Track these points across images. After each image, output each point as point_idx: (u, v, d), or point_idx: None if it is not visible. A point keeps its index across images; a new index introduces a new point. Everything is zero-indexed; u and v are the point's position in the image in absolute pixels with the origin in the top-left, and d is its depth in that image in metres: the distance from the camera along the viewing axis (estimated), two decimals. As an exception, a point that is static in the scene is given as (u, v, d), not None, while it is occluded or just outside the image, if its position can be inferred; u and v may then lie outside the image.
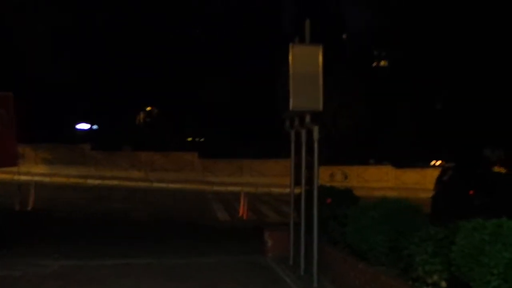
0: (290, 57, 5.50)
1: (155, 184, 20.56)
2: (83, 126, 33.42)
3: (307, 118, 5.70)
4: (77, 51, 26.36)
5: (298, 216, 6.60)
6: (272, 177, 22.05)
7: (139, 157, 22.98)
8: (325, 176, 23.98)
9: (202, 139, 34.80)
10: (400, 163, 24.37)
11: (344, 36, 33.24)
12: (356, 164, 24.42)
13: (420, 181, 22.66)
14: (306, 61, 5.51)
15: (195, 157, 22.90)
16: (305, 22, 5.73)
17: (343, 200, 6.08)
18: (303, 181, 6.16)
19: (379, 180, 23.56)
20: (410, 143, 23.00)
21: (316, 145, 5.56)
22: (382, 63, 38.40)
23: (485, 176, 7.84)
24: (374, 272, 4.35)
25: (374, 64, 31.79)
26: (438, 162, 23.35)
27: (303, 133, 6.03)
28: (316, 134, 5.52)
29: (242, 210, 12.98)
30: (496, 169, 14.78)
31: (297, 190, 6.68)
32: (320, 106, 5.48)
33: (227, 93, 27.16)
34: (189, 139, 35.52)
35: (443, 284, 3.43)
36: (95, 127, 33.09)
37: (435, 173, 23.49)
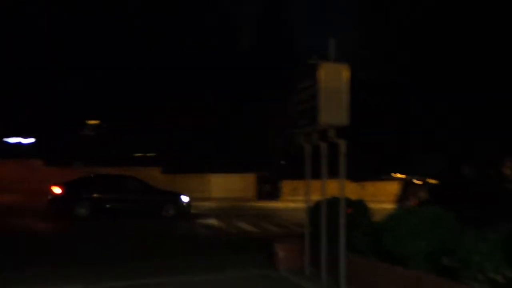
0: (320, 74, 5.78)
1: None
2: (14, 139, 30.73)
3: (332, 133, 5.98)
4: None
5: (312, 227, 6.80)
6: (237, 192, 22.14)
7: (97, 173, 21.70)
8: (288, 190, 24.66)
9: (152, 154, 33.82)
10: (356, 176, 25.72)
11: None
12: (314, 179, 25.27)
13: (375, 193, 24.23)
14: (333, 78, 5.84)
15: (159, 172, 22.24)
16: (329, 40, 6.07)
17: (360, 210, 6.40)
18: (324, 192, 6.36)
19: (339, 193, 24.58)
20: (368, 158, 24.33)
21: (342, 158, 5.83)
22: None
23: (472, 188, 8.67)
24: (417, 275, 4.65)
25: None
26: (400, 176, 24.96)
27: (324, 147, 6.31)
28: (343, 148, 5.80)
29: (223, 225, 12.95)
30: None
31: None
32: (346, 121, 5.80)
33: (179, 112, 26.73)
34: (138, 154, 34.44)
35: (500, 278, 3.82)
36: (28, 141, 30.72)
37: (388, 186, 24.99)
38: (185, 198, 15.76)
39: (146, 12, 27.50)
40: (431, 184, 11.83)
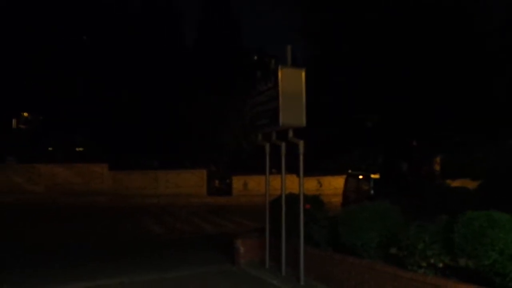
0: (280, 78, 6.07)
1: (63, 200, 18.51)
2: None
3: (291, 133, 6.32)
4: None
5: (270, 223, 7.13)
6: (188, 188, 21.99)
7: (38, 170, 20.43)
8: (239, 185, 24.95)
9: (81, 149, 32.21)
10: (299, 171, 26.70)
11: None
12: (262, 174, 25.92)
13: (319, 188, 25.57)
14: (292, 82, 6.16)
15: (105, 169, 21.38)
16: (286, 47, 6.37)
17: (316, 206, 6.84)
18: (283, 189, 6.69)
19: (287, 188, 25.48)
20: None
21: (301, 157, 6.19)
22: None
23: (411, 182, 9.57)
24: (368, 264, 5.15)
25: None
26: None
27: (283, 146, 6.64)
28: (301, 148, 6.16)
29: (177, 222, 12.92)
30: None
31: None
32: (304, 122, 6.16)
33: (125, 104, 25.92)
34: (80, 149, 32.73)
35: (440, 264, 4.40)
36: None
37: (328, 180, 26.24)
38: None
39: None
40: (373, 178, 12.79)
